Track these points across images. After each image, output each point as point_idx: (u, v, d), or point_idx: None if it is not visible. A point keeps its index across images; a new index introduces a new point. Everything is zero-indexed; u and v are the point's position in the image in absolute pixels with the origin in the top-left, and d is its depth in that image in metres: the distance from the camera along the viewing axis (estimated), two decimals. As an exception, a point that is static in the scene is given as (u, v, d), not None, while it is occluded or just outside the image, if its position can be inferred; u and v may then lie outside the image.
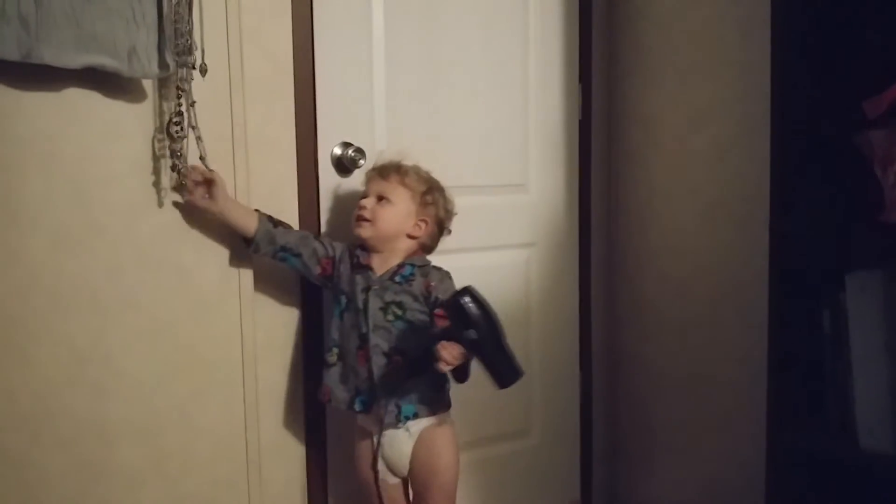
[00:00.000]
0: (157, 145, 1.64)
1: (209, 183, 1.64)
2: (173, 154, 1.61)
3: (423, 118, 2.08)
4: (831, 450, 1.52)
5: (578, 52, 2.36)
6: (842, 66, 1.55)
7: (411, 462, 1.74)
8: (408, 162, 1.81)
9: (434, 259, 2.08)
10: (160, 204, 1.67)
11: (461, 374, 1.63)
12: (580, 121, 2.39)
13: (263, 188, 1.78)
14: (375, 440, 1.72)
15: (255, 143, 1.77)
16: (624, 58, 2.36)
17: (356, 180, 1.93)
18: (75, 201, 1.57)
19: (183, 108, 1.59)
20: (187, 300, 1.72)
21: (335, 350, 1.74)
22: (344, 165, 1.94)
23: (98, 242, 1.61)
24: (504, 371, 1.59)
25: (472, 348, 1.54)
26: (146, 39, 1.52)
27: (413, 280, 1.72)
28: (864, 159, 1.49)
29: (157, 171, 1.65)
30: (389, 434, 1.71)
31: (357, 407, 1.71)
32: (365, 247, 1.77)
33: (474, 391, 2.20)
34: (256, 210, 1.72)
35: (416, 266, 1.74)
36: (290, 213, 1.84)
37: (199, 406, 1.75)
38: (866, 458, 1.45)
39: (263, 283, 1.83)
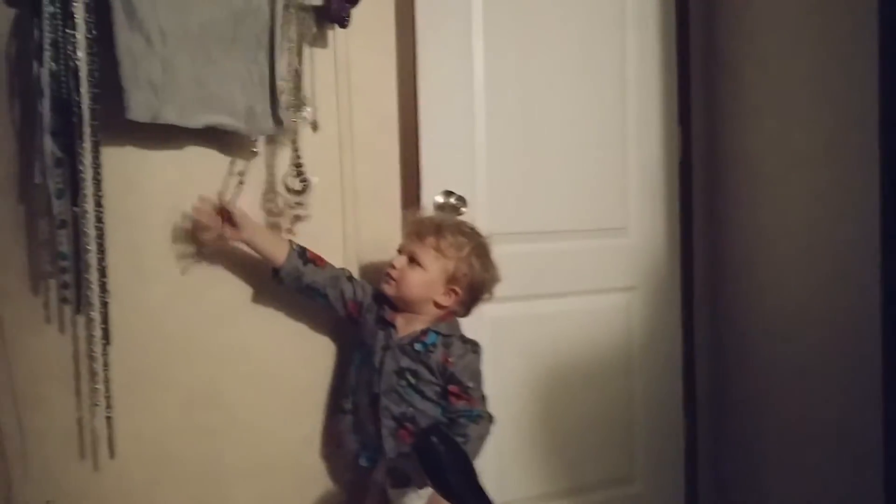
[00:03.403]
0: (268, 198, 1.72)
1: (226, 215, 1.60)
2: (293, 204, 1.69)
3: (523, 165, 2.10)
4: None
5: (678, 94, 2.35)
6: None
7: None
8: (451, 219, 1.74)
9: (532, 305, 2.11)
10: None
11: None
12: (680, 162, 2.37)
13: (369, 237, 1.83)
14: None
15: (363, 193, 1.83)
16: (725, 99, 2.34)
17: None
18: (195, 252, 1.66)
19: (300, 161, 1.68)
20: (297, 346, 1.78)
21: (350, 398, 1.71)
22: (446, 213, 1.98)
23: (214, 291, 1.68)
24: None
25: (441, 491, 1.49)
26: (262, 99, 1.60)
27: (433, 352, 1.64)
28: None
29: (268, 223, 1.72)
30: (397, 495, 1.66)
31: (362, 462, 1.69)
32: (391, 303, 1.70)
33: (575, 435, 2.21)
34: (289, 241, 1.67)
35: (441, 335, 1.66)
36: (395, 261, 1.88)
37: (308, 449, 1.80)
38: None
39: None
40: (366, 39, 1.80)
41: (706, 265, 2.41)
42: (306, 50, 1.68)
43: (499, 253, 2.04)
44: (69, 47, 1.42)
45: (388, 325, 1.68)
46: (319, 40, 1.73)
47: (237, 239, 1.61)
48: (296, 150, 1.67)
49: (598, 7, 2.21)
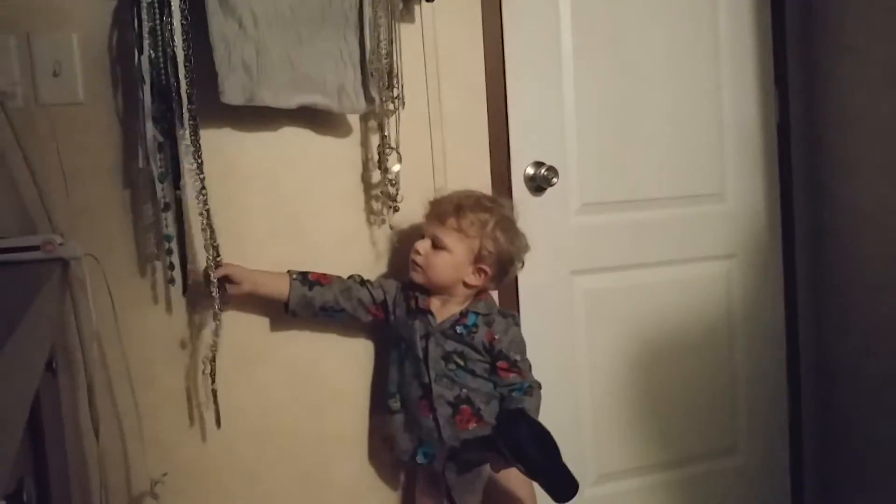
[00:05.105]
0: (363, 177, 1.74)
1: (224, 276, 1.55)
2: (387, 182, 1.70)
3: (614, 133, 2.06)
4: None
5: (773, 52, 2.26)
6: None
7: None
8: (470, 194, 1.67)
9: (628, 275, 2.08)
10: (366, 232, 1.76)
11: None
12: (778, 125, 2.28)
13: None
14: (444, 491, 1.65)
15: (453, 168, 1.83)
16: (823, 58, 2.23)
17: (549, 199, 1.96)
18: (293, 232, 1.69)
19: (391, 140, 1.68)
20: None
21: (397, 397, 1.68)
22: (537, 185, 1.96)
23: (314, 270, 1.70)
24: (561, 487, 1.48)
25: (527, 472, 1.50)
26: (353, 77, 1.61)
27: (476, 332, 1.62)
28: None
29: (363, 202, 1.75)
30: (462, 482, 1.65)
31: (420, 459, 1.65)
32: (423, 288, 1.66)
33: (675, 407, 2.17)
34: (288, 272, 1.63)
35: (480, 314, 1.64)
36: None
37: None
38: None
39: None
40: (451, 13, 1.79)
41: (807, 230, 2.32)
42: (394, 26, 1.68)
43: (592, 222, 2.04)
44: (167, 35, 1.45)
45: (425, 313, 1.64)
46: (406, 16, 1.73)
47: (241, 293, 1.58)
48: (387, 126, 1.68)
49: (688, -35, 2.13)
